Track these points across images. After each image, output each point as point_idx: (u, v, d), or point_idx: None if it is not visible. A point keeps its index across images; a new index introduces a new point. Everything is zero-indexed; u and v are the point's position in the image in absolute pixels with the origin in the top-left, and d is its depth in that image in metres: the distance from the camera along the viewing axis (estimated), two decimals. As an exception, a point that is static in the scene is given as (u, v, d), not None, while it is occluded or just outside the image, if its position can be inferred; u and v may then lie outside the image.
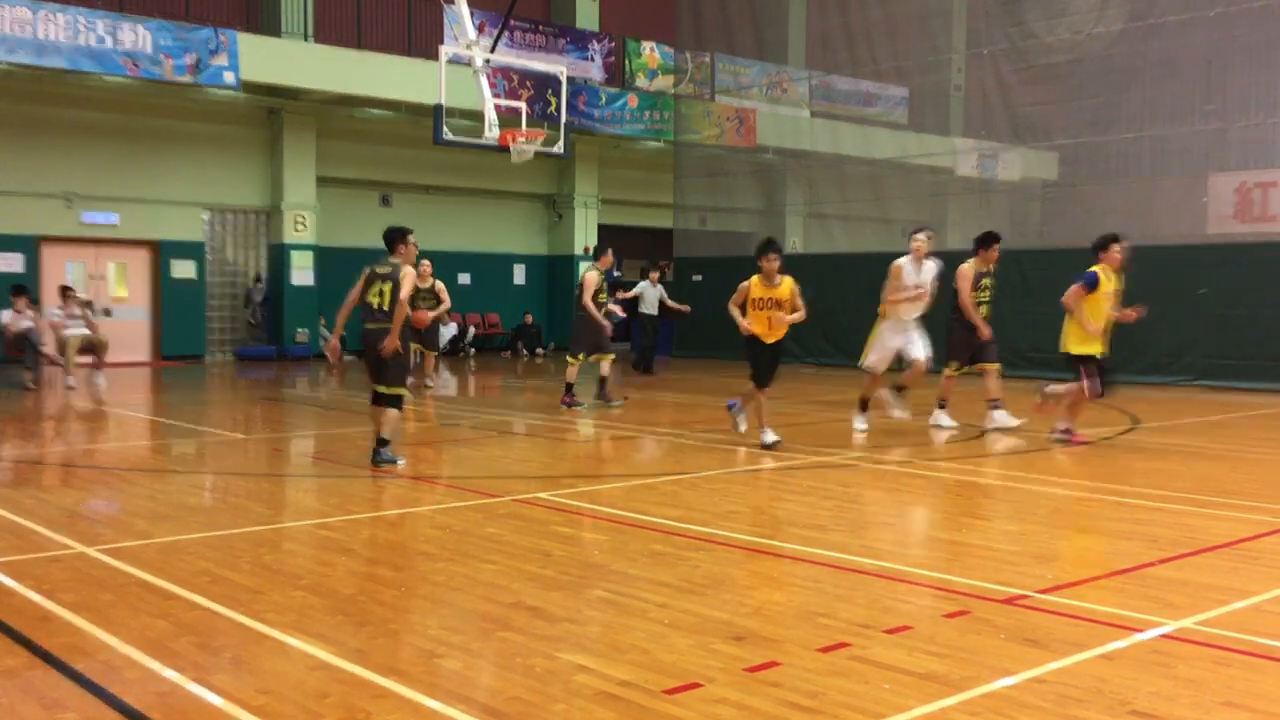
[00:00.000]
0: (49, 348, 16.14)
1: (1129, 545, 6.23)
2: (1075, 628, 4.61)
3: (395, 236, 9.10)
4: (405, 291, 8.76)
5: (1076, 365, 10.31)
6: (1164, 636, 4.50)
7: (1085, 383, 10.21)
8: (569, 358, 13.60)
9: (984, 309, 11.51)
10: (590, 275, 13.75)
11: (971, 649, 4.33)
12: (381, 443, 8.84)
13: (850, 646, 4.34)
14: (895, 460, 9.50)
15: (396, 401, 8.89)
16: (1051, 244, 21.26)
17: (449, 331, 25.22)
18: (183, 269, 22.26)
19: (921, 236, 11.26)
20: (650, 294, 19.02)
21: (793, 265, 24.42)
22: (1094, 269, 10.54)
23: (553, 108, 21.00)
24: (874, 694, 3.83)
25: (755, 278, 10.09)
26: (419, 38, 22.84)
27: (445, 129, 16.37)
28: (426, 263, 16.47)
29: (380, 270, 8.98)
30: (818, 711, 3.67)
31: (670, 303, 18.51)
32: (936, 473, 8.82)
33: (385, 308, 8.79)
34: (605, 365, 13.68)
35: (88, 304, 17.28)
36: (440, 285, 16.18)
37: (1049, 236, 22.31)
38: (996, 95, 21.76)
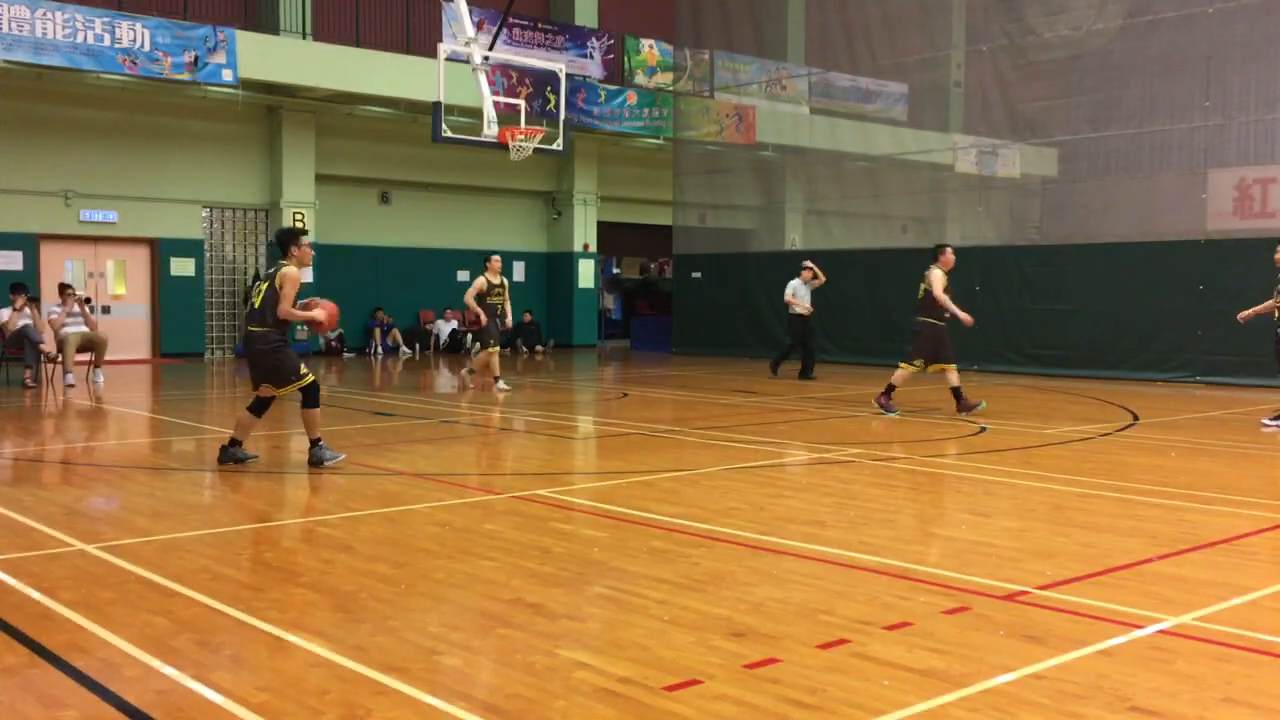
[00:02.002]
0: (48, 345, 16.14)
1: (1128, 541, 6.23)
2: (1075, 624, 4.62)
3: (285, 238, 8.71)
4: (288, 294, 8.37)
5: None
6: (1163, 632, 4.51)
7: None
8: (904, 364, 12.46)
9: None
10: (937, 274, 12.22)
11: (971, 645, 4.33)
12: (315, 442, 8.70)
13: (850, 643, 4.34)
14: (894, 456, 9.50)
15: (313, 395, 8.61)
16: (1051, 241, 21.27)
17: (447, 327, 25.24)
18: (182, 266, 22.26)
19: None
20: (803, 292, 17.65)
21: (792, 261, 24.37)
22: None
23: (551, 105, 21.00)
24: (874, 690, 3.83)
25: None
26: (417, 35, 22.85)
27: (444, 126, 16.37)
28: (496, 258, 15.77)
29: (266, 271, 8.81)
30: (817, 708, 3.67)
31: None
32: (936, 469, 8.82)
33: (260, 307, 8.52)
34: (953, 375, 12.35)
35: (86, 301, 17.27)
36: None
37: (1048, 233, 22.32)
38: (996, 92, 21.74)
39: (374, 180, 24.73)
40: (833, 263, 22.39)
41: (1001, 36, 21.33)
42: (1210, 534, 6.40)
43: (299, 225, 8.52)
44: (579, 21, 26.20)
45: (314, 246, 23.22)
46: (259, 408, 8.81)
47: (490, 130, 16.78)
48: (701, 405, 13.48)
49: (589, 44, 25.79)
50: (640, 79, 26.61)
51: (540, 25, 25.08)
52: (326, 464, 8.61)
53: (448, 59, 16.55)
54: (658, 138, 26.41)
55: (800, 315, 17.58)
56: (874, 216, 24.63)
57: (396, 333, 24.59)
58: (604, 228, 28.03)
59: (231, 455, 8.76)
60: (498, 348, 15.37)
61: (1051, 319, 18.59)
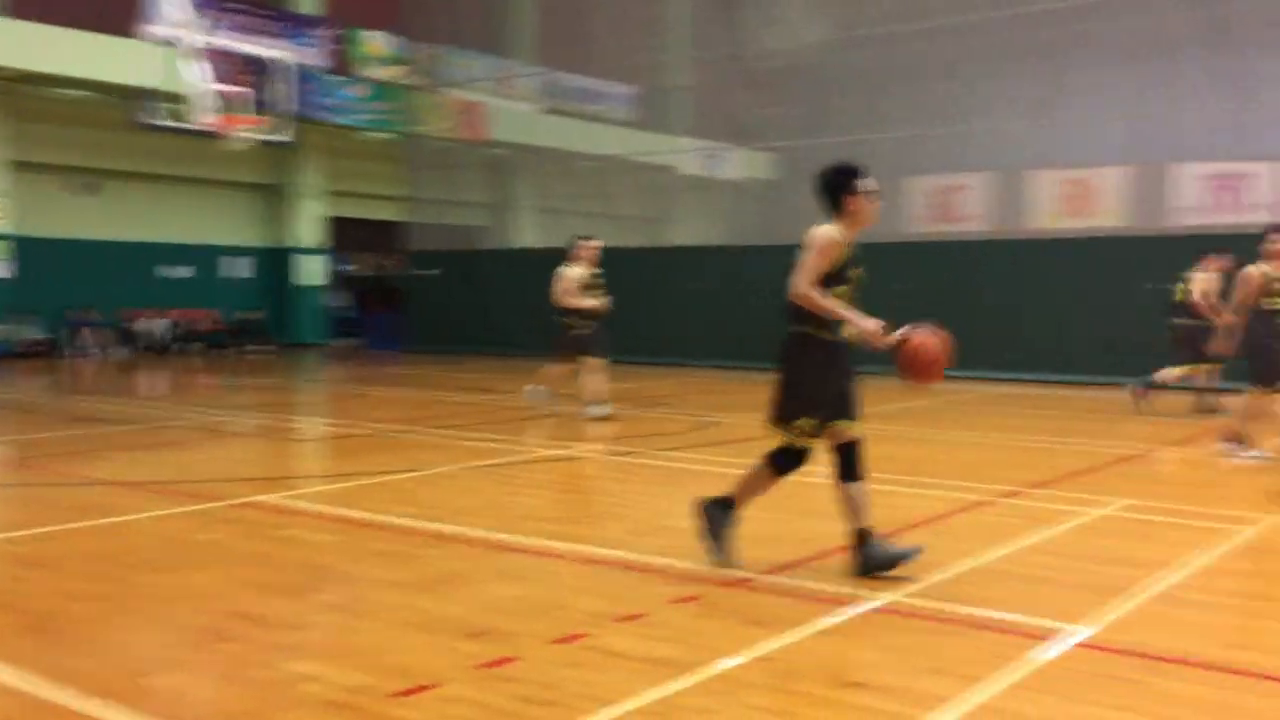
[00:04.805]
0: None
1: (844, 525, 6.57)
2: (796, 607, 4.83)
3: (829, 184, 5.35)
4: (810, 264, 5.18)
5: None
6: (878, 610, 4.79)
7: None
8: None
9: None
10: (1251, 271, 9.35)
11: (701, 632, 4.45)
12: (858, 535, 5.42)
13: (586, 637, 4.37)
14: (629, 451, 9.67)
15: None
16: (770, 241, 22.32)
17: (161, 329, 23.72)
18: None
19: None
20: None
21: (524, 260, 24.34)
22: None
23: (274, 94, 20.13)
24: (609, 682, 3.87)
25: None
26: (121, 14, 21.31)
27: (151, 112, 15.42)
28: (597, 241, 12.24)
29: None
30: (554, 704, 3.67)
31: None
32: (666, 462, 9.04)
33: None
34: None
35: None
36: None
37: (767, 234, 23.42)
38: (718, 98, 22.62)
39: (79, 169, 22.94)
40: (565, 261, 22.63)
41: (724, 45, 22.21)
42: (912, 516, 6.87)
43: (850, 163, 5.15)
44: (303, 9, 25.21)
45: (12, 239, 21.39)
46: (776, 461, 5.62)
47: (203, 117, 15.94)
48: (435, 404, 13.28)
49: (310, 33, 24.79)
50: (369, 70, 25.90)
51: (256, 11, 23.89)
52: (872, 572, 5.27)
53: (153, 40, 15.59)
54: (389, 132, 25.83)
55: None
56: (604, 216, 25.09)
57: (105, 331, 22.96)
58: (337, 223, 27.20)
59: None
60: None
61: (764, 317, 19.44)
